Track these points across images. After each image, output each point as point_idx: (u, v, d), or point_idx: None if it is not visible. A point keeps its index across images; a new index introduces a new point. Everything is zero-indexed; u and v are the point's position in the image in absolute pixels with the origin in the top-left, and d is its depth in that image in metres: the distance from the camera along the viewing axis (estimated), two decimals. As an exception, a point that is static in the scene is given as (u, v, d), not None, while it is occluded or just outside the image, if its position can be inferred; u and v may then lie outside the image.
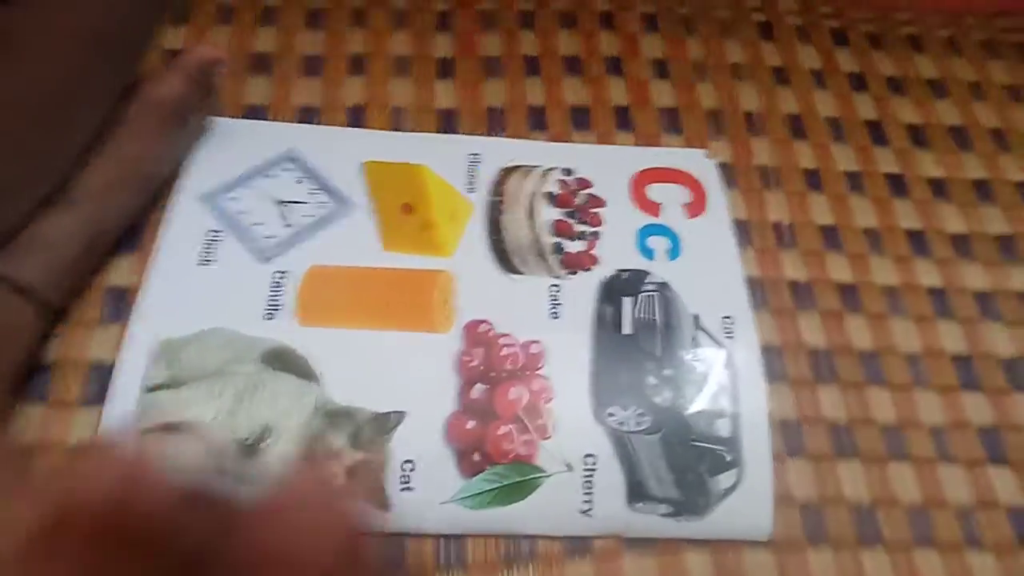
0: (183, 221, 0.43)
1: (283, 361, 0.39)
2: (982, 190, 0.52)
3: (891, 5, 0.62)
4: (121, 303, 0.41)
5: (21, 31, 0.35)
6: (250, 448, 0.37)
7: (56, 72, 0.36)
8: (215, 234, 0.43)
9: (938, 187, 0.52)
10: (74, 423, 0.38)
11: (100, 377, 0.39)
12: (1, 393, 0.36)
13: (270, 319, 0.40)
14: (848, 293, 0.46)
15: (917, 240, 0.49)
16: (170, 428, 0.37)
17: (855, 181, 0.51)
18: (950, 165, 0.53)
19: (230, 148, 0.47)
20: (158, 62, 0.50)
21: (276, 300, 0.41)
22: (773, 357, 0.43)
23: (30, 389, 0.38)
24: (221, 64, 0.45)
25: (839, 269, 0.47)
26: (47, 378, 0.39)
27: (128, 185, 0.41)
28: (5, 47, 0.34)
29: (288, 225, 0.44)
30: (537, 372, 0.40)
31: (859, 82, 0.57)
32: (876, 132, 0.54)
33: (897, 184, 0.51)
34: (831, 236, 0.48)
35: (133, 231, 0.43)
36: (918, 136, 0.54)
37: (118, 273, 0.42)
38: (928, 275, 0.48)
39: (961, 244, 0.49)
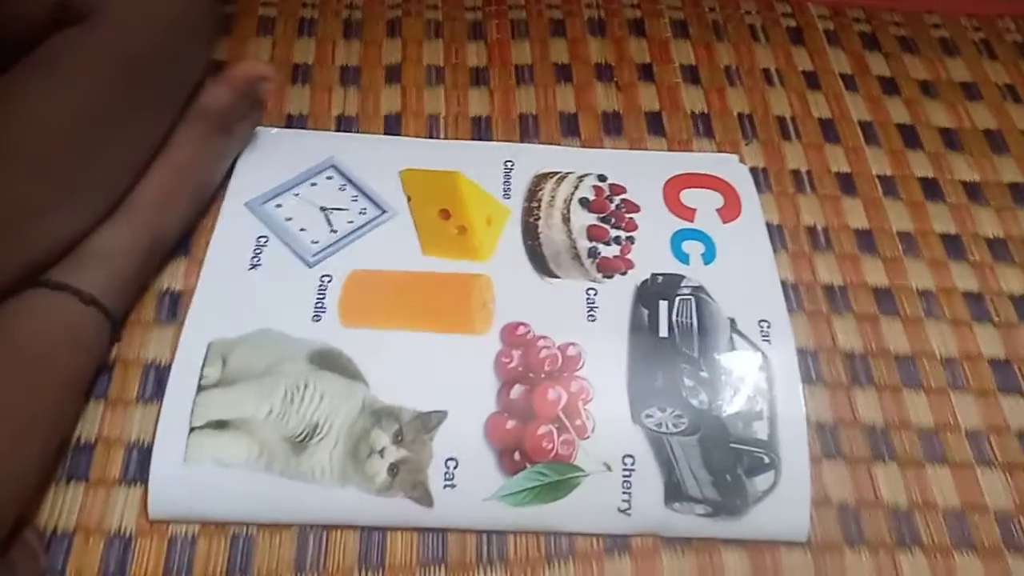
0: (232, 227, 0.45)
1: (329, 361, 0.40)
2: (1018, 193, 0.52)
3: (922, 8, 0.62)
4: (176, 306, 0.43)
5: (67, 57, 0.36)
6: (300, 444, 0.38)
7: (100, 97, 0.37)
8: (263, 240, 0.45)
9: (973, 190, 0.52)
10: (132, 419, 0.39)
11: (157, 376, 0.40)
12: (74, 400, 0.38)
13: (317, 321, 0.42)
14: (883, 296, 0.46)
15: (952, 243, 0.49)
16: (223, 425, 0.38)
17: (888, 185, 0.51)
18: (984, 168, 0.53)
19: (275, 157, 0.48)
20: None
21: (322, 303, 0.42)
22: (809, 360, 0.43)
23: (92, 387, 0.40)
24: (268, 80, 0.47)
25: (874, 272, 0.47)
26: (107, 377, 0.40)
27: (181, 194, 0.43)
28: (50, 72, 0.36)
29: (332, 231, 0.45)
30: (575, 373, 0.41)
31: (891, 86, 0.57)
32: (909, 135, 0.54)
33: (931, 187, 0.52)
34: (865, 239, 0.49)
35: (185, 237, 0.45)
36: (951, 139, 0.54)
37: (172, 277, 0.44)
38: (964, 279, 0.48)
39: (997, 247, 0.49)
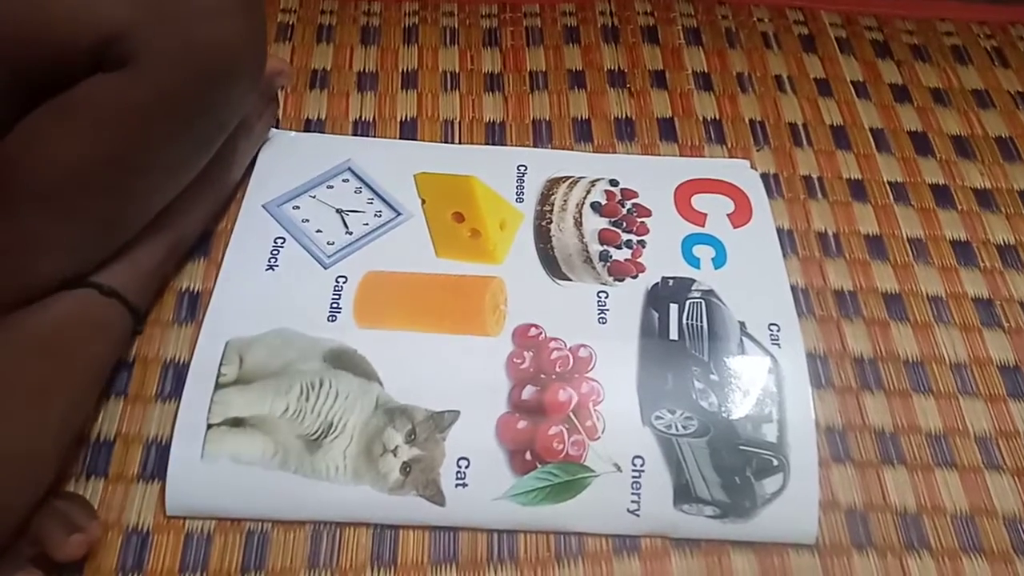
0: (250, 229, 0.46)
1: (344, 361, 0.41)
2: (1030, 200, 0.52)
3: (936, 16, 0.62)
4: (195, 305, 0.44)
5: (100, 101, 0.34)
6: (315, 442, 0.39)
7: (130, 143, 0.35)
8: (280, 241, 0.45)
9: (983, 197, 0.52)
10: (151, 417, 0.40)
11: (176, 374, 0.41)
12: (94, 389, 0.38)
13: (332, 321, 0.42)
14: (893, 301, 0.47)
15: (963, 250, 0.49)
16: (240, 422, 0.39)
17: (900, 191, 0.52)
18: (996, 175, 0.53)
19: (292, 160, 0.49)
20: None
21: (337, 303, 0.43)
22: (818, 364, 0.44)
23: (112, 384, 0.41)
24: (283, 75, 0.47)
25: (884, 278, 0.47)
26: (127, 374, 0.41)
27: (203, 192, 0.43)
28: (81, 115, 0.34)
29: (348, 233, 0.46)
30: (586, 375, 0.41)
31: (903, 93, 0.57)
32: (921, 143, 0.54)
33: (942, 194, 0.52)
34: (876, 245, 0.49)
35: (205, 238, 0.46)
36: (963, 147, 0.54)
37: (192, 278, 0.45)
38: (974, 285, 0.48)
39: (1007, 254, 0.49)
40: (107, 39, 0.33)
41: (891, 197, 0.51)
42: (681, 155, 0.52)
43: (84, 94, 0.34)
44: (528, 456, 0.39)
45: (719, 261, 0.46)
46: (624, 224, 0.47)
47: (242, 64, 0.37)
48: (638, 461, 0.39)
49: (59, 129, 0.34)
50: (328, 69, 0.55)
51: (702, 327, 0.43)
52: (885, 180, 0.52)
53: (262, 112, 0.47)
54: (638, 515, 0.38)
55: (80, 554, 0.34)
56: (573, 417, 0.40)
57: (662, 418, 0.40)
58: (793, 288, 0.46)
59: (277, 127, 0.51)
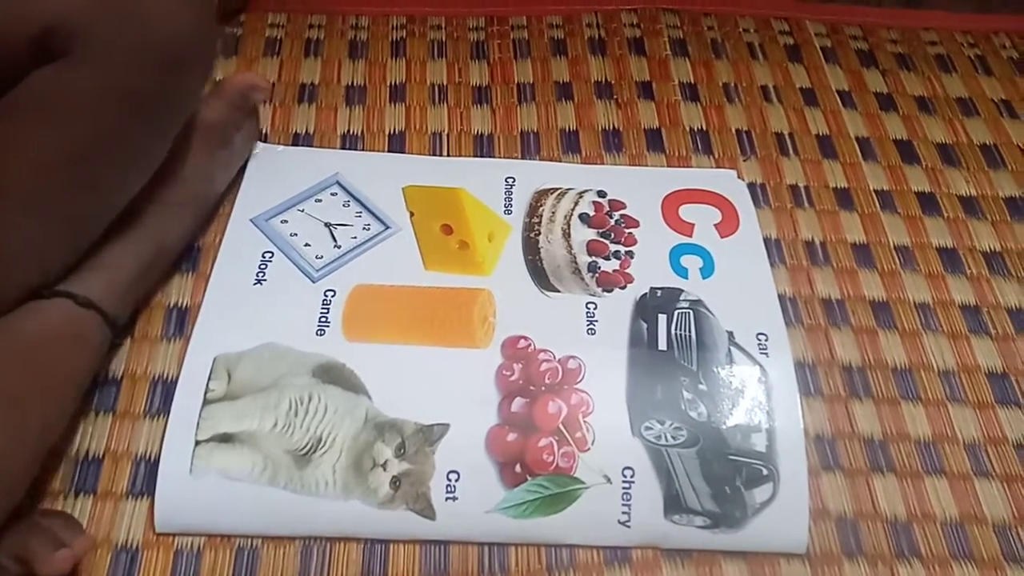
0: (238, 243, 0.46)
1: (333, 375, 0.41)
2: (1014, 207, 0.52)
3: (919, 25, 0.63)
4: (183, 321, 0.44)
5: (55, 95, 0.34)
6: (304, 457, 0.39)
7: (90, 135, 0.36)
8: (268, 255, 0.45)
9: (969, 205, 0.52)
10: (139, 433, 0.40)
11: (164, 390, 0.41)
12: (72, 401, 0.38)
13: (321, 335, 0.42)
14: (881, 310, 0.47)
15: (949, 257, 0.49)
16: (228, 438, 0.39)
17: (886, 199, 0.52)
18: (981, 182, 0.53)
19: (280, 174, 0.49)
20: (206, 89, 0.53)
21: (325, 317, 0.43)
22: (807, 373, 0.44)
23: (100, 400, 0.41)
24: (260, 88, 0.47)
25: (871, 286, 0.48)
26: (115, 390, 0.41)
27: (183, 206, 0.43)
28: (38, 111, 0.34)
29: (336, 246, 0.46)
30: (575, 386, 0.41)
31: (888, 102, 0.58)
32: (906, 151, 0.55)
33: (928, 202, 0.52)
34: (863, 254, 0.49)
35: (192, 253, 0.46)
36: (948, 154, 0.55)
37: (180, 292, 0.45)
38: (961, 292, 0.48)
39: (994, 261, 0.50)
40: (48, 29, 0.33)
41: (877, 205, 0.52)
42: (668, 165, 0.53)
43: (32, 90, 0.34)
44: (518, 469, 0.39)
45: (707, 271, 0.46)
46: (612, 235, 0.48)
47: (190, 49, 0.36)
48: (628, 472, 0.39)
49: (11, 127, 0.34)
50: (316, 83, 0.56)
51: (690, 337, 0.43)
52: (871, 188, 0.52)
53: (241, 125, 0.47)
54: (629, 526, 0.38)
55: (66, 569, 0.34)
56: (563, 429, 0.40)
57: (651, 429, 0.40)
58: (781, 297, 0.46)
59: (265, 141, 0.51)
